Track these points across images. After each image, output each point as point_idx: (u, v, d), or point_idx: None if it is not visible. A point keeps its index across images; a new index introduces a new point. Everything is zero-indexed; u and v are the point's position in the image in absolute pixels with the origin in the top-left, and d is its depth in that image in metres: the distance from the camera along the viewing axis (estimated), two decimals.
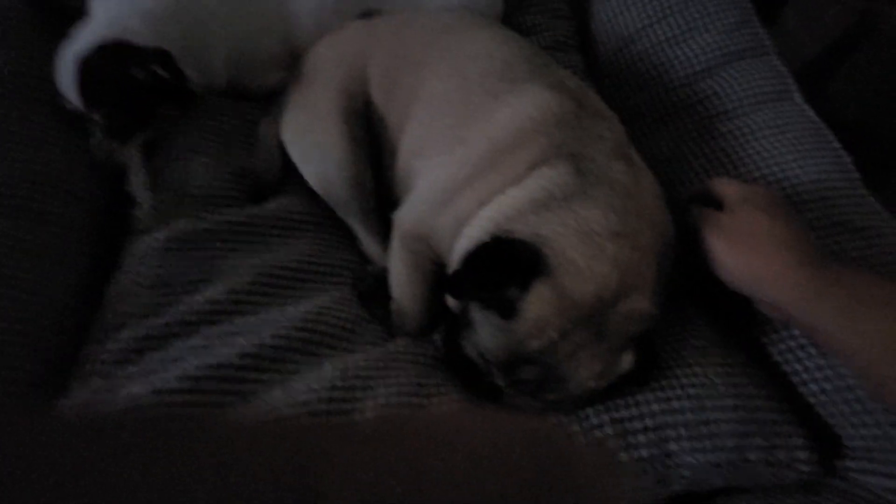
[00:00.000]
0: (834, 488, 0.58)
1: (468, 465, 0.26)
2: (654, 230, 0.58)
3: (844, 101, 1.04)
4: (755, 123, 0.81)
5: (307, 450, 0.25)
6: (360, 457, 0.25)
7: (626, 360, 0.56)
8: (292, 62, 0.85)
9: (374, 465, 0.25)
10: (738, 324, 0.67)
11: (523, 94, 0.64)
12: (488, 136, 0.63)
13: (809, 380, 0.62)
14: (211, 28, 0.81)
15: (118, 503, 0.21)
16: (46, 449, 0.22)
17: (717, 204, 0.61)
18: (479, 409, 0.56)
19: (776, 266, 0.54)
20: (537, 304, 0.53)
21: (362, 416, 0.55)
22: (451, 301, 0.64)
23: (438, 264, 0.67)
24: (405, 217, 0.69)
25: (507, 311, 0.54)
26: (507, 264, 0.54)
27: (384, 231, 0.74)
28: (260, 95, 0.88)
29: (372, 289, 0.72)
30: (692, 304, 0.69)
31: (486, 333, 0.57)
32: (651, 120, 0.91)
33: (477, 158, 0.63)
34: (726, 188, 0.62)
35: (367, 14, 0.85)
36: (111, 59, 0.71)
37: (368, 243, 0.79)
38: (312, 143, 0.78)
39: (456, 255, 0.62)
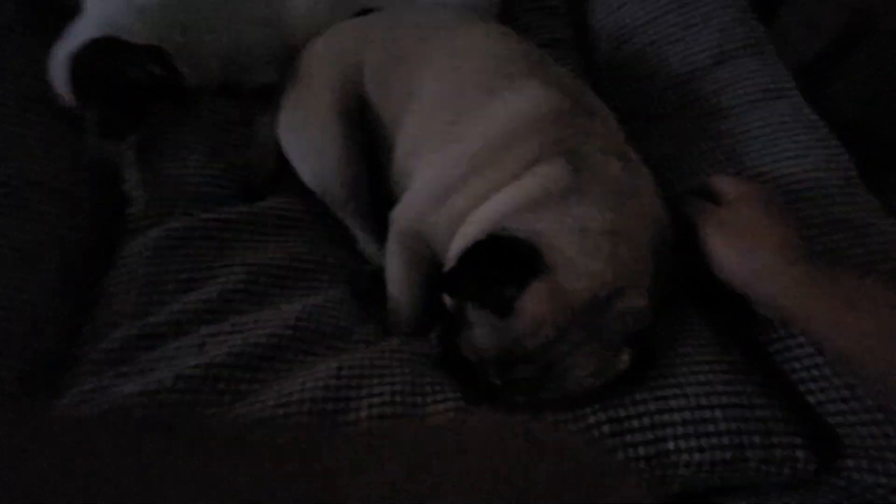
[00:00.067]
0: (831, 487, 0.58)
1: (479, 476, 0.26)
2: (651, 228, 0.58)
3: (843, 100, 1.04)
4: (753, 121, 0.81)
5: (312, 451, 0.25)
6: (367, 462, 0.25)
7: (623, 359, 0.56)
8: (287, 59, 0.84)
9: (383, 471, 0.24)
10: (736, 322, 0.67)
11: (519, 91, 0.63)
12: (484, 134, 0.63)
13: (807, 378, 0.62)
14: (205, 25, 0.80)
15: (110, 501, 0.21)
16: (40, 446, 0.22)
17: (715, 199, 0.61)
18: (489, 415, 0.56)
19: (770, 262, 0.54)
20: (534, 302, 0.53)
21: (357, 415, 0.55)
22: (447, 299, 0.63)
23: (435, 263, 0.67)
24: (401, 215, 0.69)
25: (504, 309, 0.54)
26: (503, 262, 0.54)
27: (381, 230, 0.74)
28: (255, 92, 0.88)
29: (368, 287, 0.72)
30: (690, 302, 0.68)
31: (482, 332, 0.56)
32: (648, 118, 0.90)
33: (473, 156, 0.62)
34: (723, 184, 0.62)
35: (363, 11, 0.85)
36: (103, 54, 0.71)
37: (365, 242, 0.79)
38: (308, 141, 0.77)
39: (452, 253, 0.62)
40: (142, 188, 0.74)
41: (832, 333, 0.50)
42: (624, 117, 0.68)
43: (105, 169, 0.77)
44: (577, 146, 0.60)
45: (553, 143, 0.60)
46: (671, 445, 0.55)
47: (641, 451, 0.55)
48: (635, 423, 0.56)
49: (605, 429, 0.56)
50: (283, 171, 0.79)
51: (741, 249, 0.56)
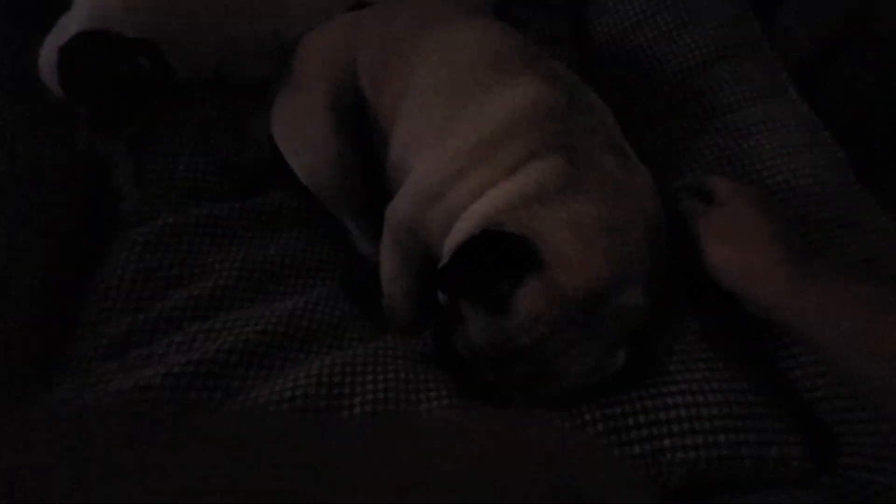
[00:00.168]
0: (827, 484, 0.58)
1: (476, 472, 0.25)
2: (646, 224, 0.58)
3: (840, 98, 1.04)
4: (749, 119, 0.81)
5: (308, 448, 0.25)
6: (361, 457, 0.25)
7: (620, 356, 0.56)
8: (281, 54, 0.84)
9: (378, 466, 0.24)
10: (732, 319, 0.67)
11: (515, 86, 0.63)
12: (479, 129, 0.62)
13: (803, 376, 0.62)
14: (198, 18, 0.79)
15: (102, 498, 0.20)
16: (30, 441, 0.22)
17: (708, 199, 0.61)
18: (488, 414, 0.55)
19: (762, 261, 0.54)
20: (529, 298, 0.53)
21: (350, 412, 0.55)
22: (441, 296, 0.63)
23: (429, 259, 0.67)
24: (396, 212, 0.68)
25: (499, 305, 0.53)
26: (498, 258, 0.54)
27: (375, 226, 0.73)
28: (248, 87, 0.87)
29: (362, 284, 0.71)
30: (686, 299, 0.68)
31: (477, 329, 0.56)
32: (645, 115, 0.90)
33: (468, 151, 0.62)
34: (716, 183, 0.62)
35: (357, 5, 0.84)
36: (93, 47, 0.70)
37: (359, 238, 0.78)
38: (302, 136, 0.77)
39: (447, 249, 0.62)
40: (133, 183, 0.74)
41: (821, 333, 0.51)
42: (620, 114, 0.68)
43: (96, 163, 0.76)
44: (573, 141, 0.60)
45: (549, 139, 0.60)
46: (667, 443, 0.55)
47: (637, 448, 0.55)
48: (631, 421, 0.56)
49: (601, 426, 0.55)
50: (276, 167, 0.79)
51: (731, 249, 0.56)
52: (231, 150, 0.80)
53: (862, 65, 1.06)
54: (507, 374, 0.55)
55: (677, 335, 0.64)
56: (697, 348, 0.62)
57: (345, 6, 0.84)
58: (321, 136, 0.75)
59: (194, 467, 0.22)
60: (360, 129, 0.77)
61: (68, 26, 0.73)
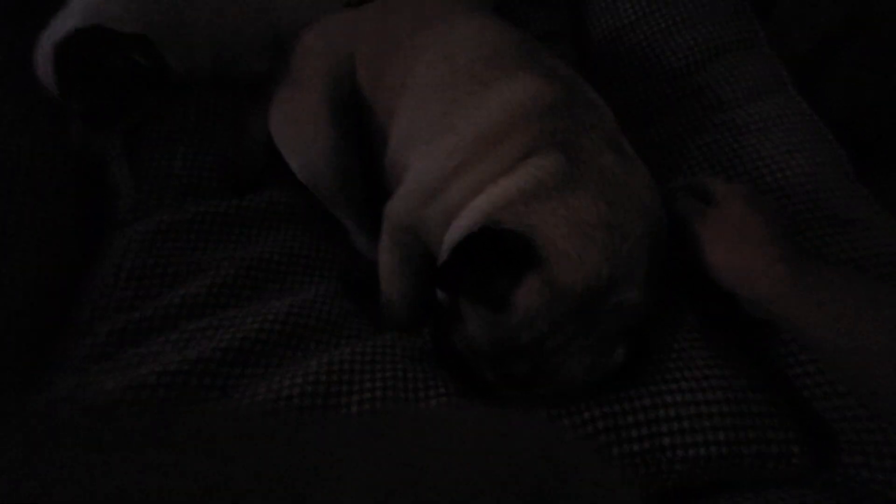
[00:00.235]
0: (827, 482, 0.58)
1: (467, 467, 0.25)
2: (645, 221, 0.57)
3: (838, 96, 1.04)
4: (748, 115, 0.81)
5: (299, 445, 0.24)
6: (354, 453, 0.24)
7: (618, 354, 0.55)
8: (278, 49, 0.83)
9: (370, 462, 0.24)
10: (731, 317, 0.67)
11: (514, 82, 0.62)
12: (478, 125, 0.62)
13: (802, 373, 0.62)
14: (194, 13, 0.79)
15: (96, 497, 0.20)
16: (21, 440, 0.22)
17: (705, 199, 0.61)
18: (479, 409, 0.56)
19: (758, 260, 0.54)
20: (528, 295, 0.52)
21: (348, 410, 0.54)
22: (440, 294, 0.62)
23: (428, 257, 0.66)
24: (394, 210, 0.68)
25: (497, 303, 0.53)
26: (497, 256, 0.53)
27: (373, 224, 0.73)
28: (245, 84, 0.86)
29: (360, 282, 0.71)
30: (684, 296, 0.68)
31: (475, 326, 0.56)
32: (643, 111, 0.90)
33: (466, 147, 0.62)
34: (714, 183, 0.62)
35: (354, 2, 0.84)
36: (88, 44, 0.70)
37: (357, 236, 0.78)
38: (299, 133, 0.76)
39: (446, 246, 0.61)
40: (129, 180, 0.73)
41: (817, 332, 0.51)
42: (619, 110, 0.67)
43: (91, 161, 0.75)
44: (572, 138, 0.59)
45: (547, 135, 0.59)
46: (666, 441, 0.55)
47: (636, 446, 0.54)
48: (630, 419, 0.55)
49: (600, 424, 0.55)
50: (274, 164, 0.78)
51: (728, 250, 0.56)
52: (228, 147, 0.79)
53: (861, 63, 1.06)
54: (507, 371, 0.55)
55: (677, 333, 0.63)
56: (697, 346, 0.62)
57: (342, 1, 0.84)
58: (318, 133, 0.74)
59: (183, 465, 0.21)
60: (358, 127, 0.77)
61: (64, 23, 0.72)
